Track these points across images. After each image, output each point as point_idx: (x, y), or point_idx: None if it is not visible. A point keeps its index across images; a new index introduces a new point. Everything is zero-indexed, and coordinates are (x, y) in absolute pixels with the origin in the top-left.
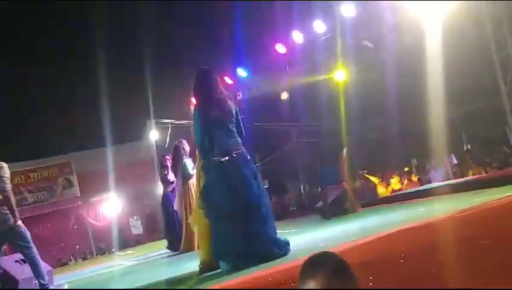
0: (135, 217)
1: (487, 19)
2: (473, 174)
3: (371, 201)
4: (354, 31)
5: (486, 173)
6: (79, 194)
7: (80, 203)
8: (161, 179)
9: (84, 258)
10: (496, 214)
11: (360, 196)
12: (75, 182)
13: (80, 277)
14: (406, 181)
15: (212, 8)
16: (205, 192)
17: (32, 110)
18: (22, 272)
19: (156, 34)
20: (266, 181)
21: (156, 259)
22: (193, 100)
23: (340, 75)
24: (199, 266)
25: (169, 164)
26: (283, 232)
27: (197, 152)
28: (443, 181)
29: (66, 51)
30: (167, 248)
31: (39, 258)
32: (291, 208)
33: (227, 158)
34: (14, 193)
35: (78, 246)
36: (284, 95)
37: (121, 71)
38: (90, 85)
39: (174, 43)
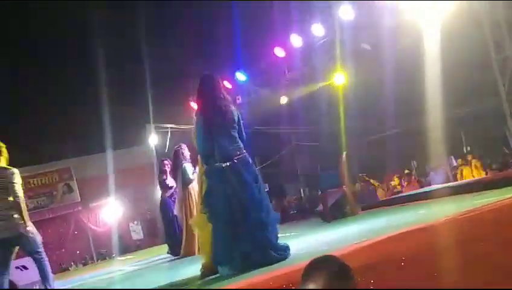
0: (135, 222)
1: (486, 20)
2: (473, 176)
3: (371, 204)
4: (353, 34)
5: (486, 174)
6: (79, 200)
7: (80, 208)
8: (160, 184)
9: (84, 264)
10: (497, 216)
11: (360, 199)
12: (75, 188)
13: (81, 282)
14: (406, 183)
15: (211, 12)
16: (207, 197)
17: (31, 115)
18: (22, 278)
19: (156, 39)
20: (266, 185)
21: (157, 264)
22: (193, 105)
23: (339, 79)
24: (201, 270)
25: (167, 168)
26: (283, 235)
27: (199, 157)
28: (443, 183)
29: (65, 55)
30: (168, 252)
31: (48, 263)
32: (292, 212)
33: (228, 164)
34: None
35: (78, 252)
36: (284, 100)
37: (120, 76)
38: (90, 90)
39: (173, 48)
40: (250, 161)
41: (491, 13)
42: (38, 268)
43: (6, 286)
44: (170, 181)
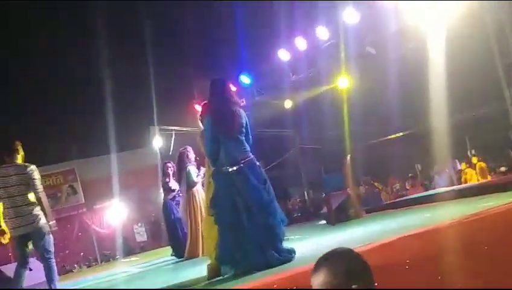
0: (139, 224)
1: (491, 25)
2: (478, 179)
3: (376, 207)
4: (357, 38)
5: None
6: (83, 201)
7: (84, 210)
8: (162, 186)
9: (88, 266)
10: (502, 220)
11: (365, 202)
12: (79, 189)
13: (85, 284)
14: (410, 187)
15: (215, 14)
16: (214, 200)
17: (35, 117)
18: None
19: (160, 41)
20: None
21: (161, 266)
22: (197, 107)
23: (344, 82)
24: (207, 268)
25: (170, 171)
26: (287, 238)
27: (206, 159)
28: (447, 187)
29: (70, 57)
30: (172, 254)
31: (55, 265)
32: (296, 214)
33: (235, 168)
34: None
35: (82, 253)
36: (288, 103)
37: (124, 78)
38: (94, 92)
39: (177, 50)
40: (257, 164)
41: (496, 17)
42: (45, 268)
43: (24, 277)
44: (173, 184)
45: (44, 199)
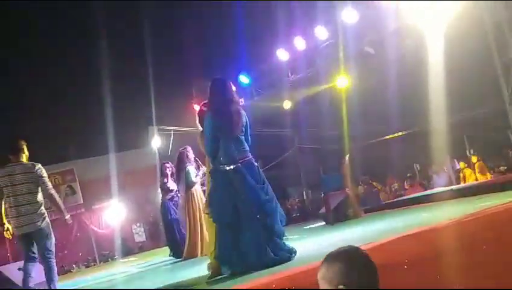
0: (138, 224)
1: (489, 23)
2: (477, 179)
3: (374, 207)
4: (356, 37)
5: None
6: (82, 202)
7: (82, 210)
8: (160, 186)
9: (87, 266)
10: (500, 219)
11: (363, 202)
12: (78, 190)
13: (84, 285)
14: (408, 186)
15: (214, 14)
16: (210, 198)
17: (34, 117)
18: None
19: (158, 41)
20: None
21: (159, 266)
22: (195, 107)
23: (342, 82)
24: (208, 267)
25: (169, 171)
26: (286, 238)
27: (206, 157)
28: (446, 186)
29: (68, 57)
30: (170, 255)
31: (55, 265)
32: (295, 214)
33: (232, 167)
34: None
35: (80, 254)
36: (287, 103)
37: (123, 78)
38: (93, 92)
39: (176, 50)
40: (256, 163)
41: (494, 16)
42: (45, 268)
43: (34, 272)
44: (171, 184)
45: (56, 195)
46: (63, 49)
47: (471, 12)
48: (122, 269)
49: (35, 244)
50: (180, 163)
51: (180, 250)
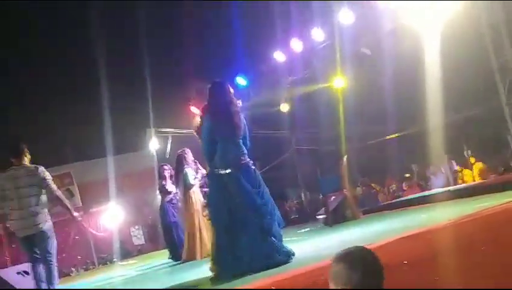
0: (137, 227)
1: (485, 23)
2: (475, 179)
3: (373, 208)
4: (353, 39)
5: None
6: (80, 205)
7: (81, 213)
8: (159, 189)
9: (86, 269)
10: (498, 220)
11: (361, 203)
12: (76, 193)
13: (84, 287)
14: (406, 187)
15: (211, 16)
16: (208, 201)
17: (31, 121)
18: (23, 283)
19: (155, 43)
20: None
21: (158, 269)
22: (193, 109)
23: (339, 83)
24: (210, 270)
25: (167, 174)
26: (284, 240)
27: None
28: (444, 187)
29: (65, 59)
30: (169, 257)
31: (56, 267)
32: (293, 216)
33: (227, 171)
34: None
35: (79, 257)
36: (284, 105)
37: (120, 81)
38: (90, 95)
39: (173, 52)
40: (253, 167)
41: (491, 16)
42: (45, 270)
43: (42, 271)
44: (170, 186)
45: (62, 195)
46: (61, 52)
47: (468, 12)
48: (121, 272)
49: (37, 246)
50: (179, 165)
51: (179, 253)
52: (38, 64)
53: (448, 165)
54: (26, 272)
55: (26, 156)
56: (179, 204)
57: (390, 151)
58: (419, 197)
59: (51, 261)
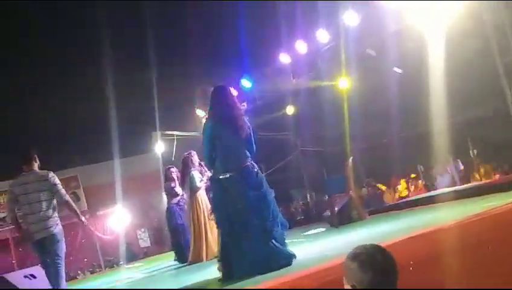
0: (143, 230)
1: (490, 24)
2: (481, 179)
3: (379, 209)
4: (357, 40)
5: (495, 175)
6: (86, 208)
7: (87, 216)
8: (167, 191)
9: (92, 272)
10: (505, 220)
11: (367, 204)
12: (82, 196)
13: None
14: (412, 188)
15: (216, 18)
16: (213, 204)
17: (37, 124)
18: (30, 287)
19: (160, 46)
20: (272, 191)
21: (165, 271)
22: (198, 112)
23: (344, 84)
24: (218, 270)
25: (175, 176)
26: (290, 241)
27: None
28: (450, 187)
29: (71, 63)
30: (175, 259)
31: (63, 270)
32: (299, 217)
33: (227, 175)
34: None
35: (86, 260)
36: (289, 107)
37: (126, 84)
38: (96, 98)
39: (178, 55)
40: (255, 170)
41: (496, 16)
42: (53, 273)
43: (52, 277)
44: (179, 189)
45: (71, 201)
46: (68, 55)
47: (473, 13)
48: (127, 274)
49: (48, 249)
50: (185, 168)
51: (185, 255)
52: (44, 66)
53: (454, 165)
54: (33, 276)
55: (36, 161)
56: (185, 207)
57: (395, 152)
58: (425, 197)
59: (59, 264)
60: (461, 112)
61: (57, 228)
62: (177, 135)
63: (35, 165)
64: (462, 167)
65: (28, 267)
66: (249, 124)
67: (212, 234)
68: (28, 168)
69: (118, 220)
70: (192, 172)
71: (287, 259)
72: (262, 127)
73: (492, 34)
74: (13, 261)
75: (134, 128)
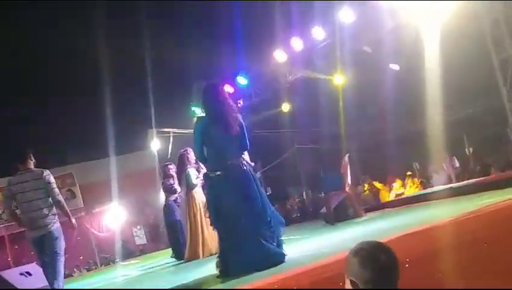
0: (138, 227)
1: (486, 21)
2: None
3: (375, 206)
4: (353, 37)
5: (489, 175)
6: (82, 205)
7: (83, 214)
8: (165, 188)
9: (88, 269)
10: (501, 217)
11: (363, 201)
12: (78, 193)
13: (87, 288)
14: (408, 185)
15: (211, 16)
16: (207, 202)
17: (33, 121)
18: (25, 284)
19: (156, 44)
20: (269, 188)
21: (162, 268)
22: (194, 109)
23: (340, 81)
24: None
25: (173, 173)
26: (287, 238)
27: None
28: (446, 184)
29: (66, 59)
30: (172, 256)
31: (62, 267)
32: (295, 215)
33: (218, 173)
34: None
35: (81, 257)
36: (285, 104)
37: (122, 81)
38: (91, 95)
39: (173, 52)
40: (244, 168)
41: (491, 13)
42: (51, 269)
43: (50, 274)
44: (177, 186)
45: (63, 201)
46: (63, 51)
47: (468, 9)
48: (123, 272)
49: (46, 246)
50: (181, 165)
51: (182, 251)
52: (40, 63)
53: (450, 162)
54: (29, 273)
55: (31, 160)
56: (182, 204)
57: (391, 149)
58: (421, 194)
59: (58, 261)
60: (457, 109)
61: (55, 225)
62: (173, 132)
63: (31, 164)
64: (458, 165)
65: (23, 264)
66: (241, 121)
67: (209, 231)
68: (23, 167)
69: (113, 217)
70: (188, 169)
71: (275, 258)
72: (258, 125)
73: (488, 30)
74: (9, 259)
75: (130, 126)
